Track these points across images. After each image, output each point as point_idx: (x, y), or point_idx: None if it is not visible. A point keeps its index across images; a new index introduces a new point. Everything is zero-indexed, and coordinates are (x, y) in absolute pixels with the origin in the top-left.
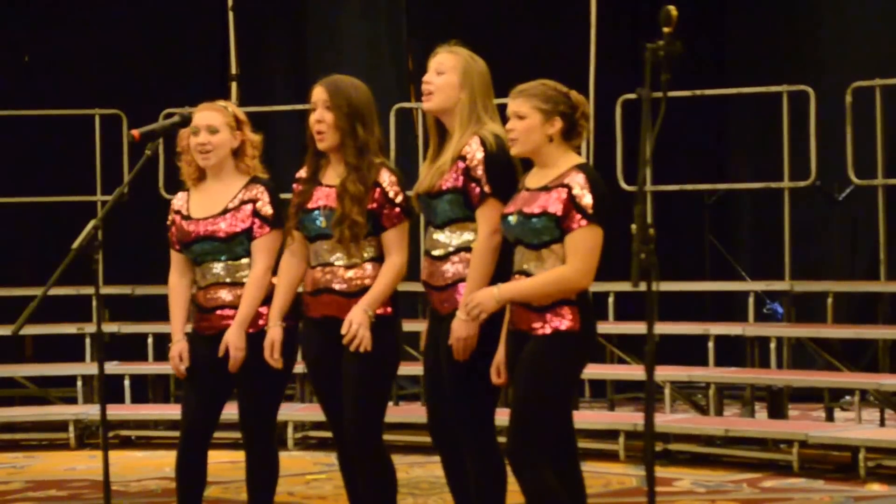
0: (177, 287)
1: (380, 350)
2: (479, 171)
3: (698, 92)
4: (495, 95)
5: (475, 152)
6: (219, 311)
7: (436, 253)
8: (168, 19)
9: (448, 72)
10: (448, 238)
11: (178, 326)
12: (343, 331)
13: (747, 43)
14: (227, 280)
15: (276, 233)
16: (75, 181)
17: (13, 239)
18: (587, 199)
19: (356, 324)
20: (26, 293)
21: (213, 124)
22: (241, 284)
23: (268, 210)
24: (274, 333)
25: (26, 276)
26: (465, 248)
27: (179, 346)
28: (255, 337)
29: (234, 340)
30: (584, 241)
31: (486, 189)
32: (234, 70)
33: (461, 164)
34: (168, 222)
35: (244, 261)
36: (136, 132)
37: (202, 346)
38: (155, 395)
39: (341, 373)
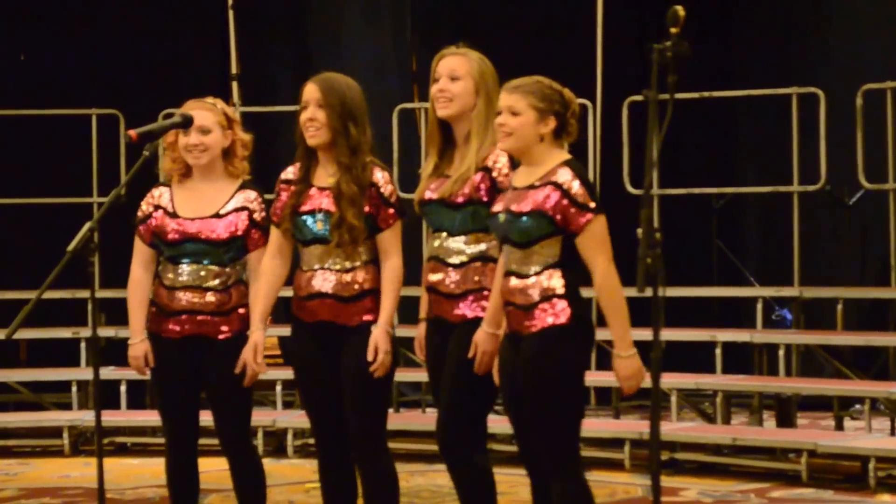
0: (141, 281)
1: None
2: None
3: (706, 94)
4: None
5: (502, 165)
6: (184, 316)
7: (451, 260)
8: (167, 17)
9: (463, 77)
10: (465, 247)
11: (139, 324)
12: (370, 357)
13: (756, 44)
14: (200, 284)
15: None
16: (71, 182)
17: (7, 241)
18: (580, 193)
19: (383, 351)
20: (21, 296)
21: (204, 124)
22: (212, 290)
23: (264, 221)
24: (258, 337)
25: (21, 279)
26: (481, 257)
27: (144, 346)
28: (224, 344)
29: (252, 359)
30: (595, 237)
31: None
32: (234, 69)
33: (486, 176)
34: (141, 214)
35: (223, 268)
36: (133, 133)
37: (166, 352)
38: (151, 401)
39: (333, 379)
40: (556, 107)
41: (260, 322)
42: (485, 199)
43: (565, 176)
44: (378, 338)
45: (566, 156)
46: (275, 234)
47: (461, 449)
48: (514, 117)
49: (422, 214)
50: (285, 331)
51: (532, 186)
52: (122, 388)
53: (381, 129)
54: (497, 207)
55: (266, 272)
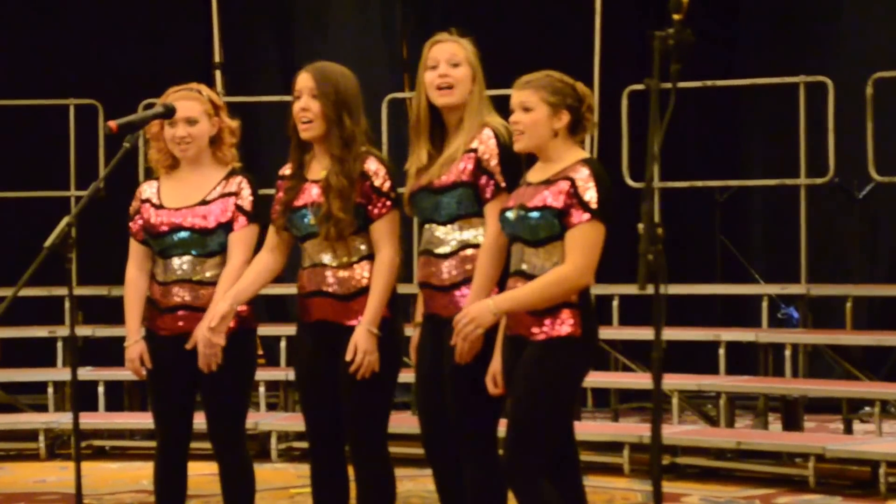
0: (136, 281)
1: (380, 355)
2: (493, 164)
3: (710, 83)
4: (497, 86)
5: (489, 144)
6: (179, 312)
7: (438, 251)
8: (148, 4)
9: (462, 63)
10: (452, 235)
11: (135, 324)
12: (348, 357)
13: (762, 31)
14: (191, 278)
15: (254, 227)
16: (48, 175)
17: None
18: (590, 194)
19: (361, 351)
20: None
21: (191, 116)
22: (205, 284)
23: (248, 203)
24: (222, 308)
25: None
26: (471, 245)
27: (140, 347)
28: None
29: (203, 338)
30: (585, 237)
31: (501, 183)
32: (217, 58)
33: (472, 156)
34: (132, 210)
35: (214, 259)
36: (113, 124)
37: (161, 349)
38: (131, 402)
39: (332, 380)
40: (569, 101)
41: (231, 297)
42: (469, 180)
43: (582, 174)
44: (358, 338)
45: (584, 154)
46: (271, 229)
47: (471, 452)
48: (526, 113)
49: (412, 209)
50: (268, 331)
51: (547, 182)
52: (100, 389)
53: (370, 121)
54: (509, 204)
55: (255, 261)
